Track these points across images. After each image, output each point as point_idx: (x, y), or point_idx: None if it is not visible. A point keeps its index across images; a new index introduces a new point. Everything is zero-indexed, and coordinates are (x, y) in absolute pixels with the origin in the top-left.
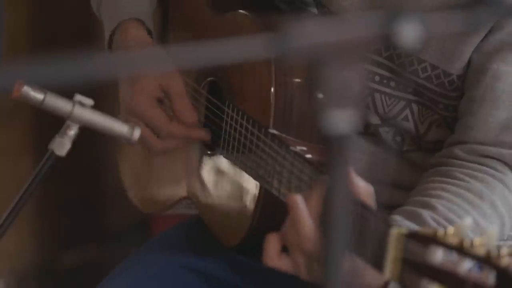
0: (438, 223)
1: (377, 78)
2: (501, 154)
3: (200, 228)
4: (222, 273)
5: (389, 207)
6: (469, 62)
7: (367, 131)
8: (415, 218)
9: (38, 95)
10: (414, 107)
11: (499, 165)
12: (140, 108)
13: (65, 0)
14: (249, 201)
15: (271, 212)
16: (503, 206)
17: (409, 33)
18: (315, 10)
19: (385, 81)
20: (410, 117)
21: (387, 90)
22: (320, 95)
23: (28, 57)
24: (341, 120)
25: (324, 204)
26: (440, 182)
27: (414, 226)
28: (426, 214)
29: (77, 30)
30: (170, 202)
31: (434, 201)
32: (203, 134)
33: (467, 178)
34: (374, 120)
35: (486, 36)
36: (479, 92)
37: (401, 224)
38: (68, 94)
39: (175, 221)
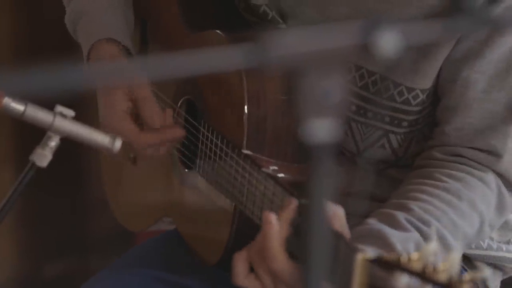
0: (412, 224)
1: (353, 108)
2: (477, 156)
3: (177, 241)
4: (197, 286)
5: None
6: (440, 70)
7: (343, 154)
8: (389, 219)
9: (18, 107)
10: (392, 136)
11: (476, 165)
12: (111, 123)
13: (47, 11)
14: (225, 220)
15: (247, 230)
16: (482, 204)
17: (387, 42)
18: (283, 26)
19: (361, 111)
20: (387, 145)
21: (364, 120)
22: (300, 105)
23: (9, 68)
24: (321, 129)
25: (294, 225)
26: (418, 184)
27: (386, 229)
28: (400, 215)
29: (59, 40)
30: (151, 219)
31: (410, 203)
32: (176, 132)
33: (445, 178)
34: (351, 148)
35: (454, 45)
36: (451, 101)
37: (375, 227)
38: (49, 105)
39: (158, 234)
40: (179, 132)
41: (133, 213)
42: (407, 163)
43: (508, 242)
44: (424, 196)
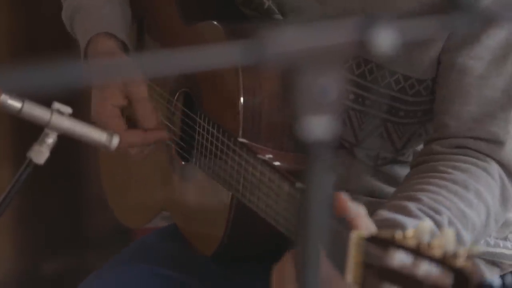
0: (425, 213)
1: (351, 96)
2: (479, 146)
3: (174, 236)
4: (195, 281)
5: None
6: (438, 61)
7: (342, 146)
8: (401, 210)
9: (16, 104)
10: (389, 126)
11: (480, 155)
12: (100, 116)
13: (44, 8)
14: (222, 210)
15: (244, 220)
16: (488, 194)
17: (384, 39)
18: (280, 17)
19: (360, 100)
20: (385, 134)
21: (362, 108)
22: (297, 102)
23: (7, 65)
24: (318, 126)
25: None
26: (424, 177)
27: (400, 218)
28: (412, 205)
29: (57, 37)
30: (150, 215)
31: (419, 194)
32: (160, 135)
33: (450, 170)
34: (349, 138)
35: (448, 34)
36: (449, 89)
37: (389, 216)
38: (46, 102)
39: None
40: (162, 135)
41: (132, 210)
42: (407, 160)
43: (505, 239)
44: (432, 187)
